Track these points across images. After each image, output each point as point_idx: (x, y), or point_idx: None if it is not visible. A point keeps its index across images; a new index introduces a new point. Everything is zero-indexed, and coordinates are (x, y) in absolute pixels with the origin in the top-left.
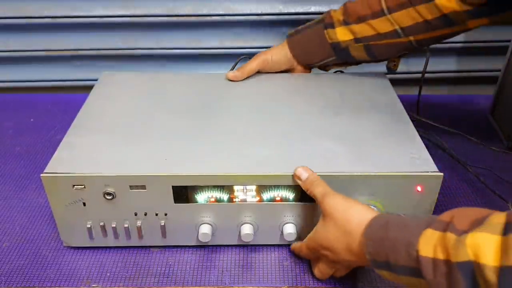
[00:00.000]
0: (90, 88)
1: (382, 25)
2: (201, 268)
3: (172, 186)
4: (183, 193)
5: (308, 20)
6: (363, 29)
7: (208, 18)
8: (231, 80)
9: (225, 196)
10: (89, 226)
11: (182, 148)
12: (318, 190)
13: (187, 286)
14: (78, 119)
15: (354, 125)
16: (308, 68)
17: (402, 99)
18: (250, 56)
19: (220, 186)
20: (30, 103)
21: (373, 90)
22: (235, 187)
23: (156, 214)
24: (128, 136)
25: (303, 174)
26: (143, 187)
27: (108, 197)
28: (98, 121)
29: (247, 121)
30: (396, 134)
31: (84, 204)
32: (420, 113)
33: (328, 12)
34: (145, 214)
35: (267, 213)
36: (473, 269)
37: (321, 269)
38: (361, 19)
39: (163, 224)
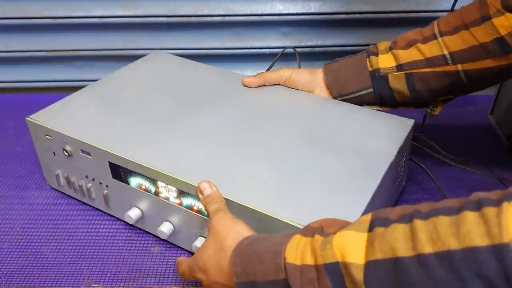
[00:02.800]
0: None
1: (430, 49)
2: None
3: (109, 162)
4: (118, 172)
5: (307, 20)
6: (409, 54)
7: (209, 19)
8: (245, 85)
9: (152, 188)
10: (57, 173)
11: (135, 131)
12: (213, 207)
13: (187, 286)
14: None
15: (313, 162)
16: None
17: None
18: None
19: (148, 177)
20: (30, 103)
21: (381, 132)
22: (159, 183)
23: (100, 183)
24: (107, 106)
25: (206, 190)
26: (89, 154)
27: (65, 153)
28: (100, 87)
29: (213, 125)
30: (347, 186)
31: (54, 153)
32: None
33: (375, 44)
34: (93, 180)
35: (184, 218)
36: (341, 271)
37: None
38: (410, 44)
39: (105, 193)
